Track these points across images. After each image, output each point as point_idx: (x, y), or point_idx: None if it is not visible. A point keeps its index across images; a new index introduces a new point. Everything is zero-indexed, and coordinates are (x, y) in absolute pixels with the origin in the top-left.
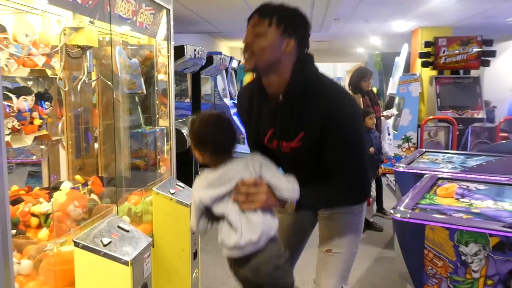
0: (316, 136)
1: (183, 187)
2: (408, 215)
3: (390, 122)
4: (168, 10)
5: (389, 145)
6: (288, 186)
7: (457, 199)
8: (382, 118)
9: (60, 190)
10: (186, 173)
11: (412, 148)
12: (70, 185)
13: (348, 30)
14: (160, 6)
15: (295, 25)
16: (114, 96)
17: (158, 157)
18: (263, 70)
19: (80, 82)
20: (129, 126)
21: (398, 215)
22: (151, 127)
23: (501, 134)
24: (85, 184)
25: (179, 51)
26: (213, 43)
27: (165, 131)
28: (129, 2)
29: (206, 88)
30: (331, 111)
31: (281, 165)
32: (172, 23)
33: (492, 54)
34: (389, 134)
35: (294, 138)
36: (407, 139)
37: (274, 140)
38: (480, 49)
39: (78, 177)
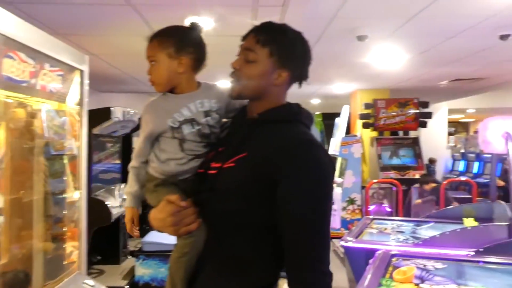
0: (257, 170)
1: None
2: None
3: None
4: (81, 72)
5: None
6: None
7: (417, 285)
8: None
9: None
10: (111, 251)
11: (357, 210)
12: None
13: (290, 91)
14: (71, 67)
15: (292, 56)
16: None
17: (64, 245)
18: (248, 98)
19: None
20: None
21: None
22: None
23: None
24: None
25: (105, 114)
26: None
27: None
28: (25, 62)
29: None
30: (298, 148)
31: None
32: (86, 86)
33: (429, 115)
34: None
35: (232, 157)
36: (352, 201)
37: (211, 163)
38: (417, 111)
39: None
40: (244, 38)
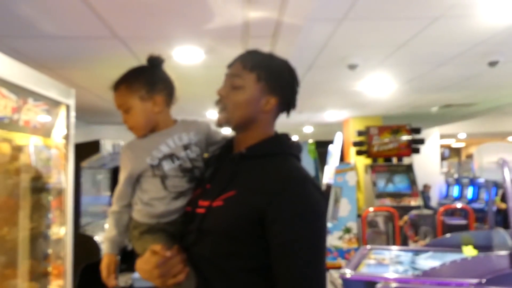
0: (247, 209)
1: None
2: None
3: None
4: (67, 106)
5: None
6: None
7: None
8: None
9: None
10: None
11: (353, 239)
12: None
13: (282, 120)
14: (57, 101)
15: (280, 82)
16: None
17: (49, 285)
18: (235, 127)
19: None
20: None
21: None
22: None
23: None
24: None
25: (94, 147)
26: None
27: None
28: (6, 97)
29: None
30: (289, 185)
31: None
32: (72, 120)
33: (421, 141)
34: None
35: (221, 195)
36: (348, 230)
37: (198, 200)
38: (410, 137)
39: None
40: (230, 65)
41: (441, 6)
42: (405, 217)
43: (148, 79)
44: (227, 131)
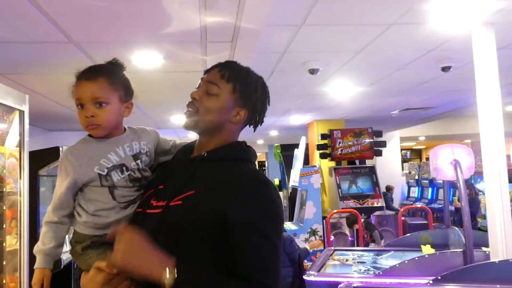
0: (207, 208)
1: None
2: None
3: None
4: (21, 112)
5: None
6: None
7: None
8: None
9: None
10: None
11: (319, 241)
12: None
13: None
14: (10, 107)
15: (253, 96)
16: None
17: None
18: (202, 131)
19: None
20: None
21: None
22: None
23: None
24: None
25: (53, 154)
26: None
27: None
28: None
29: None
30: (250, 186)
31: None
32: (26, 126)
33: (383, 144)
34: None
35: (178, 195)
36: (314, 232)
37: (150, 200)
38: (372, 140)
39: None
40: (207, 71)
41: (395, 13)
42: (355, 226)
43: (127, 81)
44: (182, 138)
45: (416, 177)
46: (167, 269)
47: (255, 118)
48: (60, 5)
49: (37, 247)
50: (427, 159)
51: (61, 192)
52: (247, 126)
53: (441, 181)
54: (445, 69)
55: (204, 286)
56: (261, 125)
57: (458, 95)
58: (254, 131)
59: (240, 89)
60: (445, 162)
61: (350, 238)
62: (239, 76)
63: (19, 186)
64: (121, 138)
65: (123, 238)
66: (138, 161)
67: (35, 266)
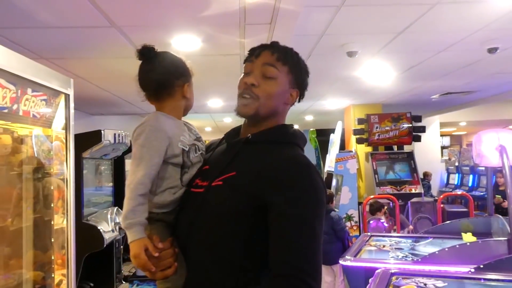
0: (246, 190)
1: None
2: None
3: None
4: (67, 96)
5: None
6: None
7: None
8: None
9: None
10: (104, 277)
11: (354, 226)
12: None
13: None
14: (56, 91)
15: (303, 76)
16: None
17: (53, 274)
18: (263, 117)
19: None
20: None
21: None
22: None
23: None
24: None
25: (95, 137)
26: None
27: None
28: (5, 88)
29: None
30: (292, 169)
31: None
32: (72, 110)
33: (422, 129)
34: None
35: (220, 176)
36: (349, 218)
37: (195, 180)
38: (411, 125)
39: None
40: (256, 54)
41: None
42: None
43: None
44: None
45: (456, 164)
46: None
47: (303, 96)
48: None
49: (131, 220)
50: (468, 145)
51: (156, 162)
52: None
53: (483, 168)
54: (491, 50)
55: None
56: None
57: (504, 78)
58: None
59: (293, 70)
60: (490, 148)
61: (386, 225)
62: (292, 57)
63: (65, 167)
64: (182, 124)
65: None
66: (200, 143)
67: (132, 239)
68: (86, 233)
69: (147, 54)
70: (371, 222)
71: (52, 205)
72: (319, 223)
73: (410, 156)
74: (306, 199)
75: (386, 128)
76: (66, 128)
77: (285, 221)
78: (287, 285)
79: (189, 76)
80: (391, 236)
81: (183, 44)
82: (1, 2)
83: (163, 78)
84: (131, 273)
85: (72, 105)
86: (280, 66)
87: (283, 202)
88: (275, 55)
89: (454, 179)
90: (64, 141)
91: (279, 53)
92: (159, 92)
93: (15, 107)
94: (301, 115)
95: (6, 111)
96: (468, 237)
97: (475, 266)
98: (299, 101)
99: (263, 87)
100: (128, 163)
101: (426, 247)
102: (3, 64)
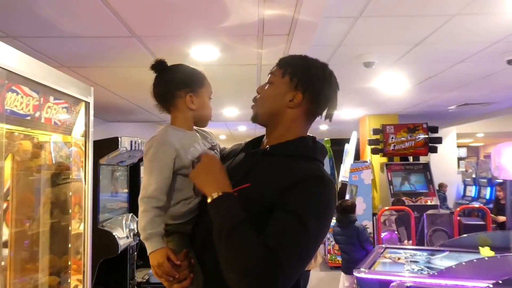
0: (258, 202)
1: None
2: None
3: None
4: (87, 104)
5: None
6: None
7: None
8: None
9: None
10: (118, 283)
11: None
12: None
13: None
14: (77, 99)
15: (306, 78)
16: None
17: (69, 279)
18: (262, 121)
19: None
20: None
21: None
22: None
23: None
24: None
25: (113, 144)
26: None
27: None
28: (28, 95)
29: None
30: (306, 180)
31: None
32: (91, 117)
33: (439, 140)
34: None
35: (236, 186)
36: None
37: None
38: (427, 136)
39: None
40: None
41: (458, 3)
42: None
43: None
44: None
45: (473, 176)
46: (218, 192)
47: (316, 102)
48: (125, 0)
49: (151, 231)
50: (485, 156)
51: (166, 176)
52: (319, 118)
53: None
54: (510, 62)
55: (235, 219)
56: (331, 110)
57: None
58: (325, 119)
59: (290, 71)
60: (510, 161)
61: (397, 236)
62: (291, 60)
63: (82, 173)
64: (195, 134)
65: (203, 161)
66: (214, 152)
67: (152, 249)
68: (101, 239)
69: (156, 67)
70: (384, 233)
71: (70, 211)
72: (318, 232)
73: (426, 167)
74: (312, 209)
75: (402, 138)
76: (86, 135)
77: (285, 215)
78: (258, 263)
79: (196, 87)
80: (406, 249)
81: (201, 54)
82: (25, 12)
83: (163, 90)
84: (144, 280)
85: (92, 112)
86: (277, 71)
87: (289, 201)
88: (278, 68)
89: (471, 191)
90: (83, 147)
91: (280, 60)
92: (163, 104)
93: (37, 114)
94: (316, 124)
95: (29, 118)
96: (486, 252)
97: (494, 281)
98: (321, 111)
99: (262, 91)
100: (151, 175)
101: (443, 261)
102: (27, 72)
